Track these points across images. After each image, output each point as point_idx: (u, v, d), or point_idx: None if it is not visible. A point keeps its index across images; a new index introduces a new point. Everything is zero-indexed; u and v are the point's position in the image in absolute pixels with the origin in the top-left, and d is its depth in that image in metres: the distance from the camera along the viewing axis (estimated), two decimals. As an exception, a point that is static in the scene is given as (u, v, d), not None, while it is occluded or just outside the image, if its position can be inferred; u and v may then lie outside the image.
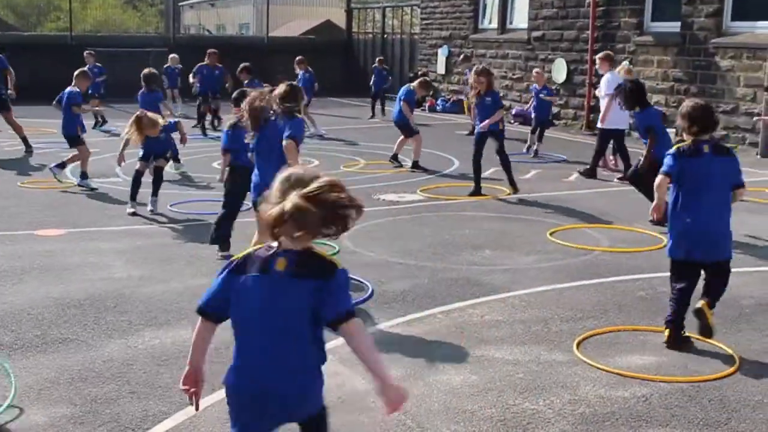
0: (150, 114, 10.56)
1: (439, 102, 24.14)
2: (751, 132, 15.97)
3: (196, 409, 3.64)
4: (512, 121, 21.08)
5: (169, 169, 12.52)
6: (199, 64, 19.09)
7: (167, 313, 6.78)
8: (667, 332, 6.16)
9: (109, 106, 21.94)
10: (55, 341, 6.15)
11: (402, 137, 14.40)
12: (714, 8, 16.63)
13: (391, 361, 5.82)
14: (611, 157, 14.28)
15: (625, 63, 15.22)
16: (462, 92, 22.49)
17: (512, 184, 12.00)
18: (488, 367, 5.75)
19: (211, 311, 3.43)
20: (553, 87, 18.27)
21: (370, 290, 7.29)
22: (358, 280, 7.59)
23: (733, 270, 6.28)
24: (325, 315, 3.23)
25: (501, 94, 22.59)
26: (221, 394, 5.27)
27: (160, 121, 10.55)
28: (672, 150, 6.24)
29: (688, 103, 6.31)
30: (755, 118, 15.62)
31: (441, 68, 25.40)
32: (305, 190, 3.08)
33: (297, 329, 3.26)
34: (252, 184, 7.69)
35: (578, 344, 6.14)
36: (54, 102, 12.84)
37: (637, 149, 12.40)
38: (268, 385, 3.26)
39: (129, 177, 13.04)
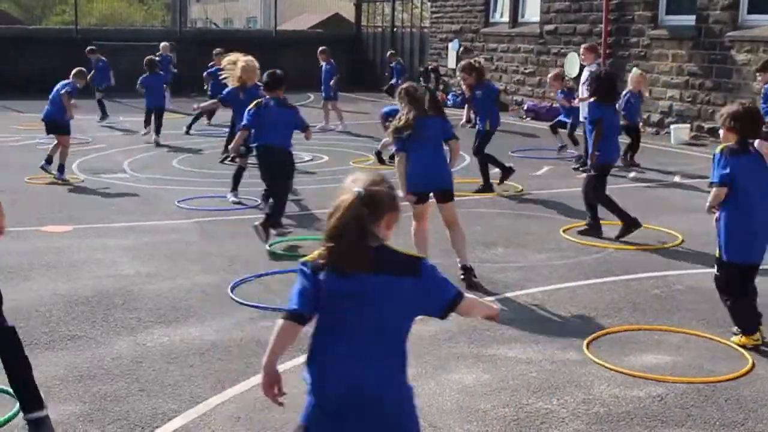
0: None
1: (450, 97, 24.02)
2: None
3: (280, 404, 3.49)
4: (524, 117, 20.97)
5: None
6: (214, 66, 18.95)
7: (176, 310, 6.73)
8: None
9: (114, 101, 21.97)
10: (64, 338, 6.10)
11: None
12: (730, 1, 16.44)
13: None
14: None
15: (636, 70, 14.78)
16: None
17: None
18: (501, 366, 5.68)
19: (307, 312, 3.22)
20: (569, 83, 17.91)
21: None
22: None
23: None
24: (432, 310, 3.30)
25: (508, 89, 22.72)
26: (233, 391, 5.24)
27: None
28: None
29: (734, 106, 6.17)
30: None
31: (452, 62, 25.26)
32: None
33: (393, 330, 3.22)
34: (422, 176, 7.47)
35: (589, 343, 6.06)
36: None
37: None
38: (365, 389, 3.13)
39: (137, 174, 13.05)
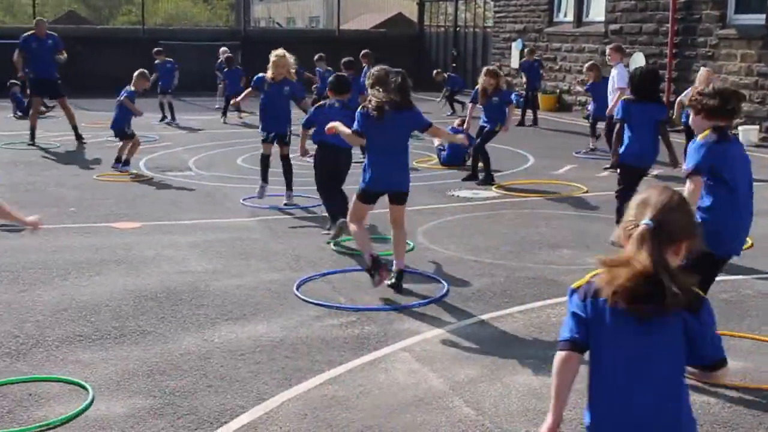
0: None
1: (513, 97, 23.83)
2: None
3: None
4: (589, 117, 20.75)
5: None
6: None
7: (242, 307, 6.79)
8: None
9: (180, 99, 22.27)
10: (134, 333, 6.20)
11: None
12: (801, -1, 16.11)
13: (468, 361, 5.75)
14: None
15: (704, 69, 14.49)
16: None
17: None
18: (568, 369, 5.61)
19: (581, 341, 3.01)
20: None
21: (445, 288, 7.22)
22: (434, 277, 7.54)
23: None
24: (701, 355, 2.93)
25: (572, 89, 22.49)
26: (299, 388, 5.28)
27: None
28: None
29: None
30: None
31: (515, 62, 25.12)
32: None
33: (672, 369, 2.92)
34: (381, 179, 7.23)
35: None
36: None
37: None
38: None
39: (203, 171, 13.23)
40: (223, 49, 22.70)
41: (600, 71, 15.42)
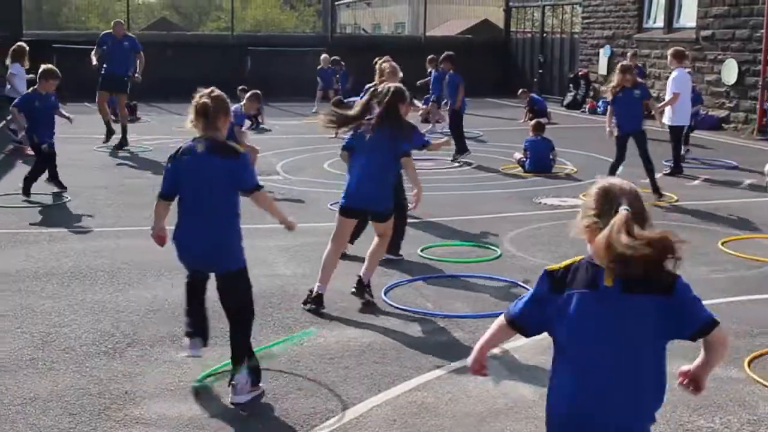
0: None
1: (600, 104, 23.57)
2: None
3: None
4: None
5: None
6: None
7: (330, 311, 6.86)
8: None
9: (268, 105, 22.55)
10: (224, 335, 6.28)
11: None
12: None
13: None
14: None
15: None
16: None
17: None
18: (659, 381, 5.53)
19: (523, 324, 3.26)
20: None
21: (533, 296, 7.16)
22: (522, 286, 7.51)
23: None
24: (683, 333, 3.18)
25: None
26: (388, 394, 5.30)
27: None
28: None
29: None
30: None
31: (603, 69, 24.81)
32: None
33: (637, 353, 3.05)
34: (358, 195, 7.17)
35: (750, 361, 5.84)
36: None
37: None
38: (601, 416, 3.03)
39: (290, 176, 13.37)
40: (324, 56, 23.07)
41: None
